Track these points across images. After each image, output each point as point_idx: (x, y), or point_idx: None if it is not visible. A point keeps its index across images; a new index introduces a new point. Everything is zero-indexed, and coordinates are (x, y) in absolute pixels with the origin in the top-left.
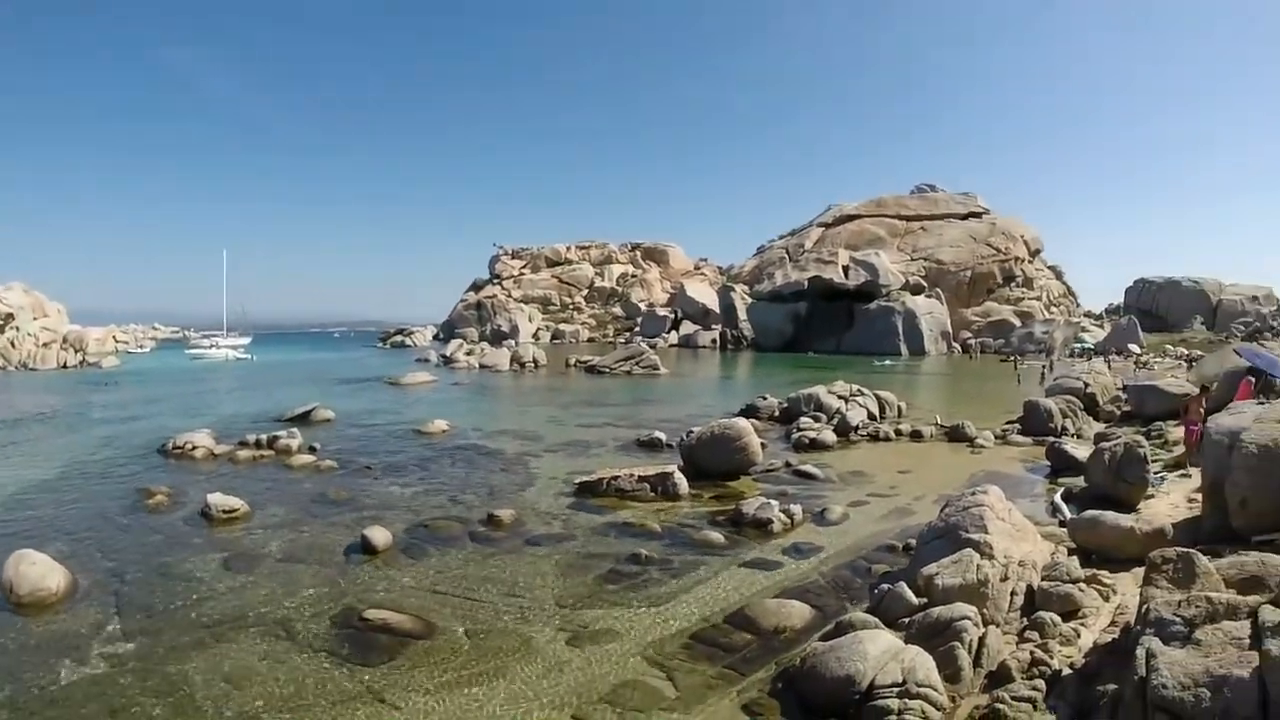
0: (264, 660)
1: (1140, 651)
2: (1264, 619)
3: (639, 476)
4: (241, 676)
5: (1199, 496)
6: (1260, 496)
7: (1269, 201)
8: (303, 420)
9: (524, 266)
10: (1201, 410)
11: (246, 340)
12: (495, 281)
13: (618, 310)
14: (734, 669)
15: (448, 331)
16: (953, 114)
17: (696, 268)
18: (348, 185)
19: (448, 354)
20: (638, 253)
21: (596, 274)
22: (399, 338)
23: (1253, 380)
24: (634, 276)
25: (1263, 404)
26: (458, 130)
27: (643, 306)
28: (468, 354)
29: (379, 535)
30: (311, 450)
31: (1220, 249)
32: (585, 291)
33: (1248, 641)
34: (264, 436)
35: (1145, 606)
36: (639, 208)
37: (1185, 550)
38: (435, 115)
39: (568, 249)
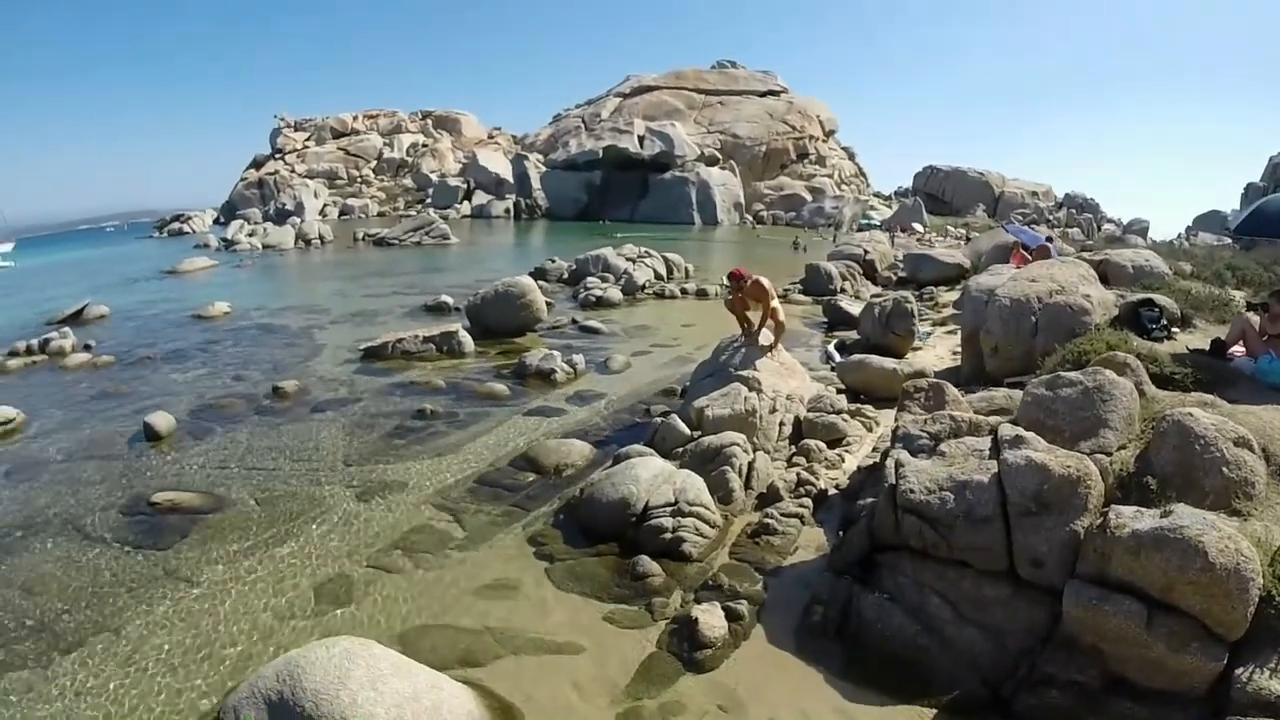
0: (58, 563)
1: (890, 462)
2: (1003, 434)
3: (424, 338)
4: (37, 583)
5: (962, 350)
6: (1010, 343)
7: (1053, 110)
8: (75, 320)
9: (308, 139)
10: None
11: (8, 247)
12: (277, 157)
13: (408, 182)
14: (519, 506)
15: (228, 214)
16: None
17: (490, 136)
18: (107, 64)
19: (228, 237)
20: (429, 121)
21: (385, 144)
22: (176, 225)
23: (1025, 251)
24: (425, 147)
25: None
26: None
27: (434, 178)
28: (250, 235)
29: (161, 421)
30: (86, 348)
31: (1007, 151)
32: (374, 164)
33: (988, 453)
34: (34, 341)
35: (896, 426)
36: (430, 74)
37: (936, 380)
38: None
39: (354, 119)
